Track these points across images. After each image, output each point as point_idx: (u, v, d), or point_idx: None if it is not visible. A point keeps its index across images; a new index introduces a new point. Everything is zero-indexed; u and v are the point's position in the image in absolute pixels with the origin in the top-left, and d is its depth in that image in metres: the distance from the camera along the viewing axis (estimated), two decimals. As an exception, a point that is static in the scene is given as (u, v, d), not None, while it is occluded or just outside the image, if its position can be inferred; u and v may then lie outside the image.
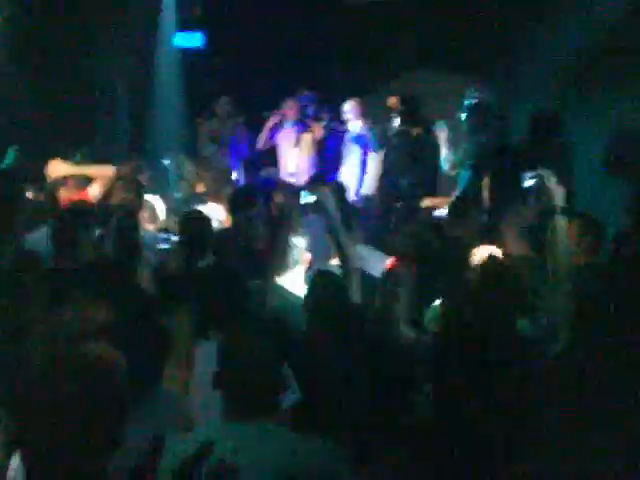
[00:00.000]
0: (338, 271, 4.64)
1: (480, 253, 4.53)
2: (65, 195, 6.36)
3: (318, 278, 4.23)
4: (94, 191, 6.20)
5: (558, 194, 4.14)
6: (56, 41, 9.54)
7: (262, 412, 2.78)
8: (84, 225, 4.82)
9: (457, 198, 6.81)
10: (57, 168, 6.56)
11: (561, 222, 3.98)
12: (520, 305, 3.75)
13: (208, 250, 4.94)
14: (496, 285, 3.71)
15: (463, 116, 7.78)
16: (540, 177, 4.38)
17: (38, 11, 9.50)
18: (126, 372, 2.51)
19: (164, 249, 5.12)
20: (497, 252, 4.55)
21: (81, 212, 5.01)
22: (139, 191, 6.16)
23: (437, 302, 4.45)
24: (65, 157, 7.19)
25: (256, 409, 2.78)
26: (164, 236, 5.23)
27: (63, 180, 6.46)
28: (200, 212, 5.67)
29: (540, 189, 4.38)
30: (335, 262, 4.84)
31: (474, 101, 7.74)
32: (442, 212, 6.67)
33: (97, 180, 6.26)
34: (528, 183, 4.61)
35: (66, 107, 9.64)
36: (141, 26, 10.35)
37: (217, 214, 6.38)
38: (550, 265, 3.91)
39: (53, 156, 6.92)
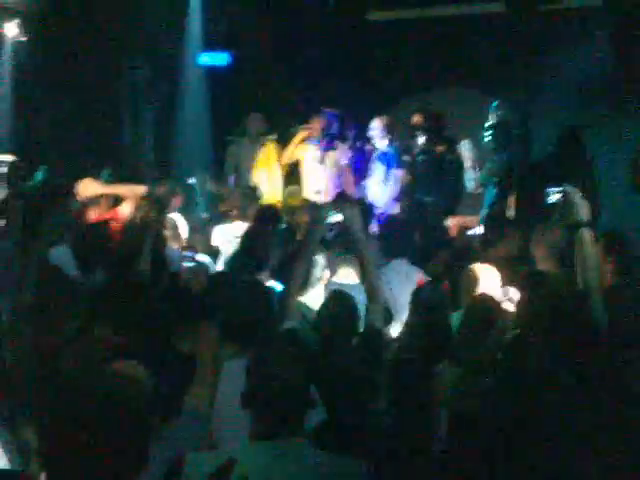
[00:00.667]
0: (359, 289, 4.65)
1: (476, 271, 4.57)
2: (97, 214, 6.40)
3: (330, 297, 4.24)
4: (125, 210, 6.24)
5: (583, 209, 4.14)
6: (82, 61, 9.65)
7: (290, 430, 2.78)
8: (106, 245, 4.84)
9: (490, 217, 6.78)
10: (89, 187, 6.58)
11: (587, 236, 3.99)
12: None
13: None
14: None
15: (486, 134, 7.78)
16: (565, 192, 4.38)
17: (66, 34, 9.62)
18: (152, 390, 2.53)
19: (188, 267, 5.14)
20: (489, 270, 4.57)
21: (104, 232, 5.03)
22: (161, 209, 6.19)
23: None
24: (92, 176, 7.25)
25: (284, 428, 2.78)
26: (189, 254, 5.25)
27: (95, 199, 6.51)
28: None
29: (565, 204, 4.38)
30: (356, 280, 4.84)
31: (497, 119, 7.74)
32: (474, 231, 6.62)
33: (128, 199, 6.30)
34: (553, 199, 4.61)
35: (93, 127, 9.74)
36: (167, 45, 10.44)
37: (243, 232, 6.41)
38: (580, 279, 3.92)
39: (80, 175, 6.98)
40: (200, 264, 5.08)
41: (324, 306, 4.16)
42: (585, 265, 3.91)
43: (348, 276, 4.90)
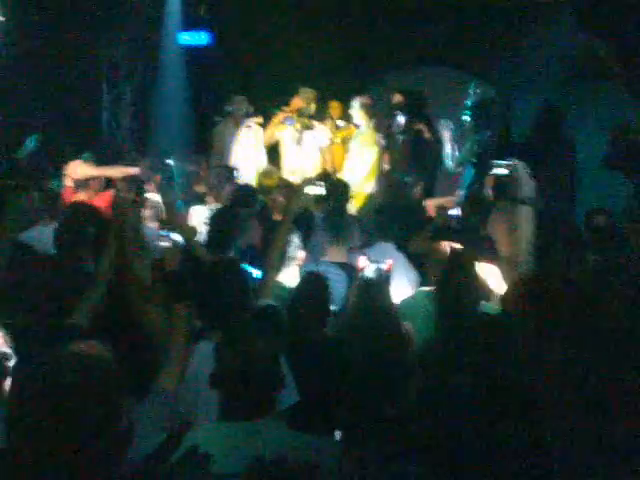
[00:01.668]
0: (337, 269, 4.63)
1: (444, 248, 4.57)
2: (86, 197, 6.31)
3: (303, 279, 4.22)
4: None
5: (527, 185, 4.07)
6: (60, 41, 9.54)
7: (259, 411, 2.76)
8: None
9: (468, 197, 6.76)
10: (79, 169, 6.48)
11: (526, 214, 3.87)
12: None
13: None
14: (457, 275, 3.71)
15: (466, 114, 7.76)
16: (511, 166, 4.33)
17: (43, 14, 9.51)
18: (117, 369, 2.50)
19: (164, 246, 5.04)
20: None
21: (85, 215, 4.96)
22: (140, 190, 6.14)
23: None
24: (72, 157, 7.18)
25: (253, 408, 2.76)
26: (164, 233, 5.13)
27: (85, 182, 6.42)
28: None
29: (510, 179, 4.32)
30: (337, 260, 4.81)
31: (476, 98, 7.72)
32: (453, 211, 6.59)
33: (120, 182, 6.23)
34: (498, 171, 4.56)
35: (71, 107, 9.65)
36: (146, 25, 10.35)
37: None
38: (511, 255, 3.81)
39: (60, 156, 6.90)
40: (175, 243, 4.98)
41: (298, 287, 4.14)
42: (517, 243, 3.77)
43: (337, 255, 4.87)
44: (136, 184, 6.40)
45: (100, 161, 7.66)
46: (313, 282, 4.12)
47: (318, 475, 2.19)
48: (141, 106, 10.57)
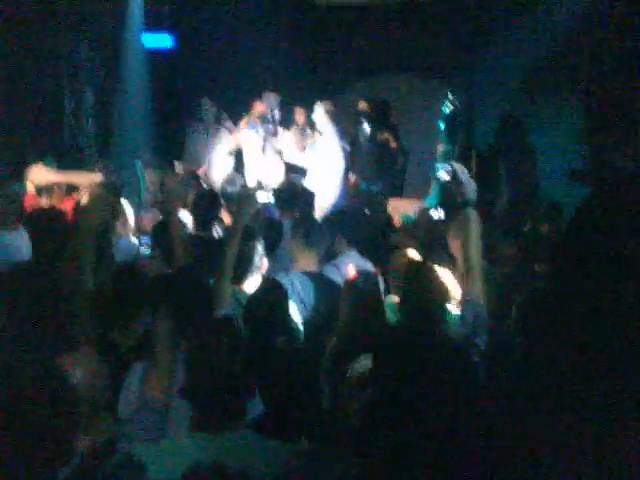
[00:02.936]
0: (302, 277, 4.60)
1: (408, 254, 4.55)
2: (50, 203, 6.20)
3: (259, 288, 4.17)
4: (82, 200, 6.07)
5: (471, 188, 4.06)
6: (20, 42, 9.42)
7: (228, 421, 2.75)
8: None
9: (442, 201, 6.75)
10: (41, 175, 6.38)
11: (473, 216, 3.81)
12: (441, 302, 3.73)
13: None
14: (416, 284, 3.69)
15: (441, 124, 7.77)
16: (453, 170, 4.32)
17: (2, 15, 9.38)
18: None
19: (147, 254, 4.93)
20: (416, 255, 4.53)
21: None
22: (116, 196, 6.06)
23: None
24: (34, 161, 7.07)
25: (222, 418, 2.74)
26: (146, 240, 4.98)
27: (48, 188, 6.31)
28: None
29: (452, 182, 4.31)
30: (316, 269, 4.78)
31: (446, 108, 7.76)
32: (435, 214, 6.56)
33: (85, 188, 6.13)
34: (441, 175, 4.56)
35: (33, 111, 9.53)
36: (108, 27, 10.25)
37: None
38: (461, 260, 3.78)
39: (21, 160, 6.79)
40: (155, 250, 4.87)
41: (253, 296, 4.07)
42: (468, 246, 3.73)
43: (307, 264, 4.86)
44: (112, 190, 6.30)
45: (62, 166, 7.56)
46: (268, 291, 4.04)
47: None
48: (104, 109, 10.46)
